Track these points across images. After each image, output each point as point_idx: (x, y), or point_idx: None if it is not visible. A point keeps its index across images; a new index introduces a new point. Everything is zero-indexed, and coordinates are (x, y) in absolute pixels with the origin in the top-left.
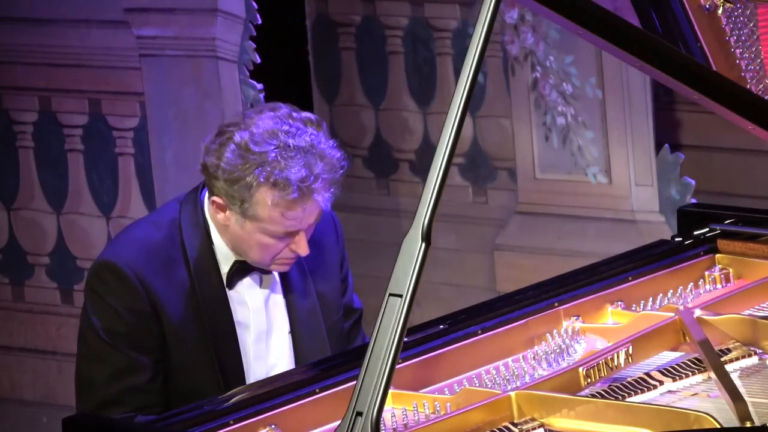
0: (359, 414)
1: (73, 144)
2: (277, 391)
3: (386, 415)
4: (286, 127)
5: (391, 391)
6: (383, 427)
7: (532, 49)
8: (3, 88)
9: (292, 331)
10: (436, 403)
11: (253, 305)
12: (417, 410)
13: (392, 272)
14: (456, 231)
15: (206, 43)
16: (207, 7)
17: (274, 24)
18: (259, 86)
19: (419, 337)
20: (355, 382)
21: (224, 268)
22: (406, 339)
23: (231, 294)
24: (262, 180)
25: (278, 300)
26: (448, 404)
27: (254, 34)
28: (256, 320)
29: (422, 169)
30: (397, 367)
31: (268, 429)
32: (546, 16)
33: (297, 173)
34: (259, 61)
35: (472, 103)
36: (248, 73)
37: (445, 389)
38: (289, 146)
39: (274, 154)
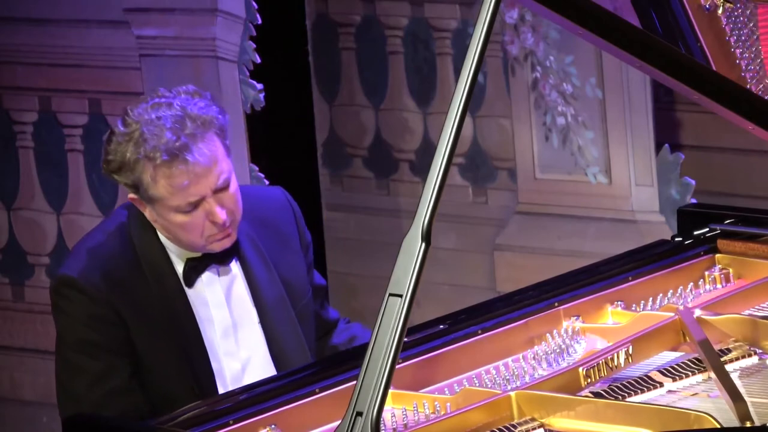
0: (359, 414)
1: (73, 144)
2: (277, 391)
3: (386, 415)
4: (156, 101)
5: (391, 391)
6: (383, 427)
7: (532, 49)
8: (3, 88)
9: (262, 323)
10: (436, 403)
11: (213, 301)
12: (417, 410)
13: (392, 272)
14: (456, 231)
15: (206, 43)
16: (207, 7)
17: (274, 24)
18: (259, 86)
19: (419, 337)
20: (355, 382)
21: (179, 268)
22: (406, 339)
23: (191, 293)
24: (140, 156)
25: (242, 293)
26: (448, 404)
27: (254, 34)
28: (219, 316)
29: (422, 169)
30: (397, 367)
31: (268, 429)
32: (546, 16)
33: (163, 139)
34: (259, 61)
35: (472, 103)
36: (248, 73)
37: (445, 389)
38: (154, 118)
39: (143, 129)
